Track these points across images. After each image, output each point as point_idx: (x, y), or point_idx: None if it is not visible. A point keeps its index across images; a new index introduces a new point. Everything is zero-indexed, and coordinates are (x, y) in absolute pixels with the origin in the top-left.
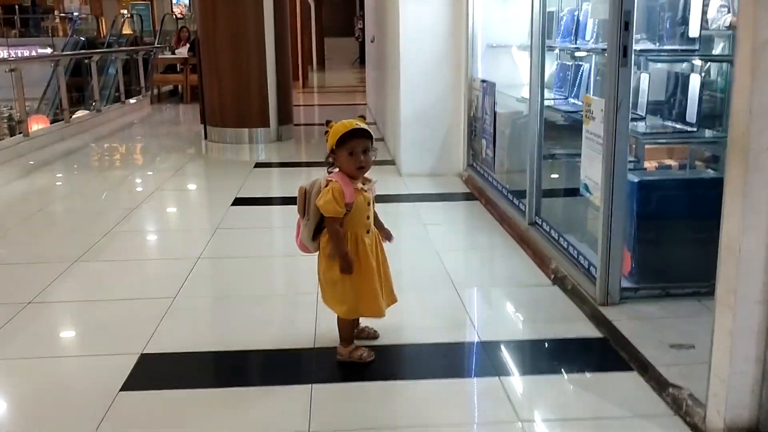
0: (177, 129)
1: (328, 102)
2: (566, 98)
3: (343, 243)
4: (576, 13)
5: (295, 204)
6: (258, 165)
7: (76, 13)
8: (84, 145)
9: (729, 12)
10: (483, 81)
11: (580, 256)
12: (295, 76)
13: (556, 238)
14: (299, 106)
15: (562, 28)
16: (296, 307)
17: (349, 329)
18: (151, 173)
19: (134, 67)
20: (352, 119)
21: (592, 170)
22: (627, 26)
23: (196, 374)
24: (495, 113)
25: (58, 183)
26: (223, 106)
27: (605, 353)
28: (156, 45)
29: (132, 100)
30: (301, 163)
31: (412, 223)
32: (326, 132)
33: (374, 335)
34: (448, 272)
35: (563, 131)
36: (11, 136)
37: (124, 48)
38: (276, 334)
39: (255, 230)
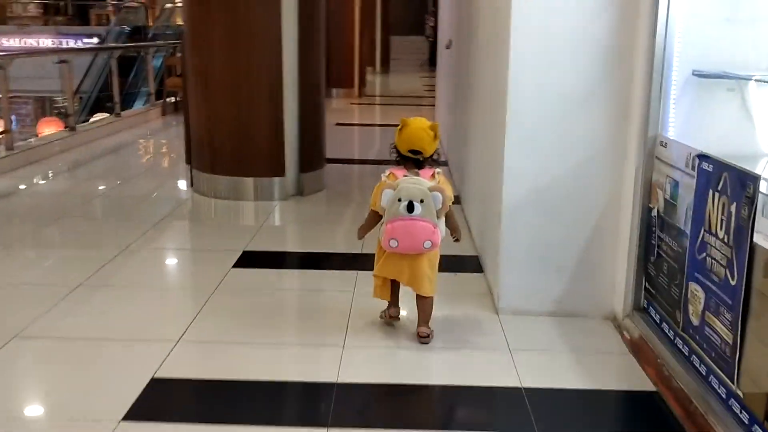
0: (169, 164)
1: (386, 120)
2: None
3: None
4: None
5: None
6: (242, 258)
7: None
8: (8, 192)
9: None
10: (703, 157)
11: None
12: (349, 83)
13: None
14: (347, 125)
15: None
16: None
17: None
18: (54, 274)
19: (145, 67)
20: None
21: None
22: None
23: None
24: (752, 242)
25: None
26: (214, 140)
27: None
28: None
29: (137, 109)
30: (317, 254)
31: None
32: (435, 135)
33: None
34: None
35: None
36: None
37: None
38: None
39: None
